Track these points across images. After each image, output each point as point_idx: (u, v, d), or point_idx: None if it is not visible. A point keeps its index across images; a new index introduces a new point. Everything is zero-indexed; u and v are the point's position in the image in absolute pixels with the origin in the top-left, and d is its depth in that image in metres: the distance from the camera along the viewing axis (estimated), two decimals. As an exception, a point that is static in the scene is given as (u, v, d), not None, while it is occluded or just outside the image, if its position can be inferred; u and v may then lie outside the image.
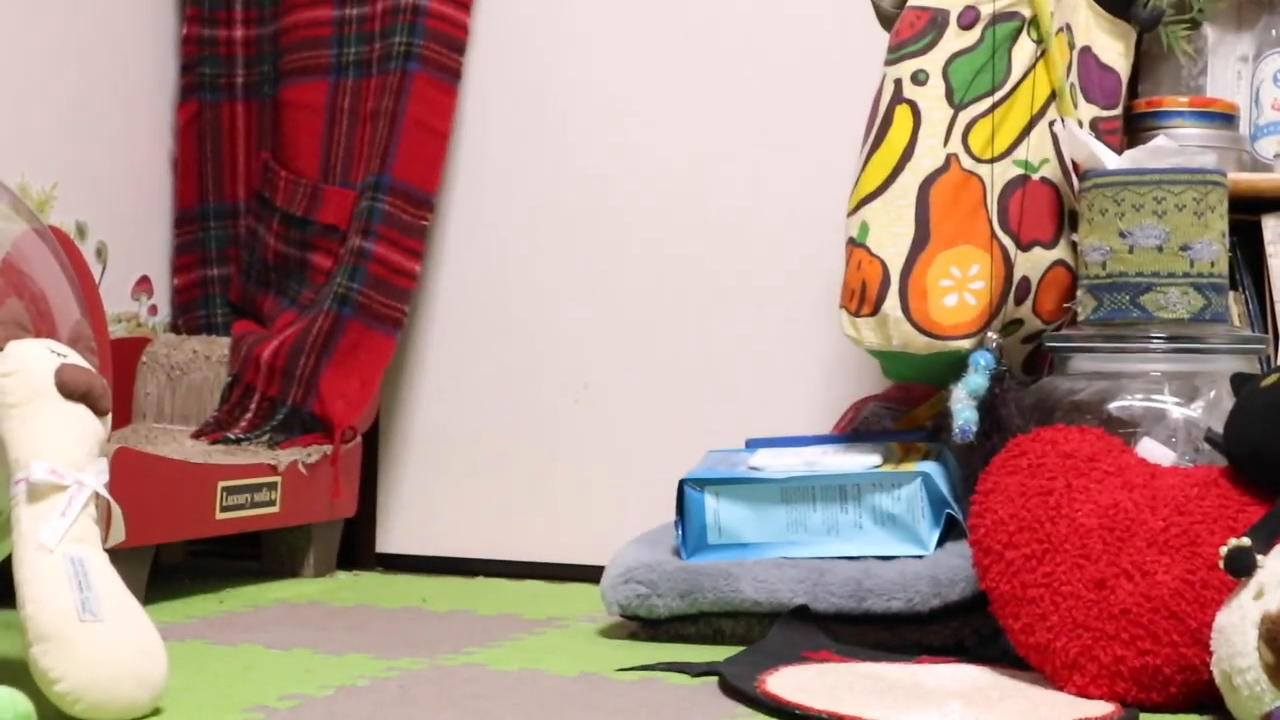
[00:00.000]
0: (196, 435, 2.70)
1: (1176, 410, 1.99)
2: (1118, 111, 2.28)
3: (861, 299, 2.12)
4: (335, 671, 1.89)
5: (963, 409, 2.04)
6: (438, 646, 2.07)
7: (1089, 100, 2.25)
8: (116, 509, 1.75)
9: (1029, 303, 2.15)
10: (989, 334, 2.10)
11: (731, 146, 2.72)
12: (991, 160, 2.13)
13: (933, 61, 2.16)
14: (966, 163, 2.13)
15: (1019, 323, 2.16)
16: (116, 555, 1.71)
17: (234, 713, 1.67)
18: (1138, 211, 2.03)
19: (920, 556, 2.07)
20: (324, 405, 2.68)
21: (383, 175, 2.72)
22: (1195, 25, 2.43)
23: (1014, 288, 2.12)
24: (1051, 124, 2.16)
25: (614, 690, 1.83)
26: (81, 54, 2.75)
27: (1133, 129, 2.36)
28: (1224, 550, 1.62)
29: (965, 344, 2.08)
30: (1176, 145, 2.12)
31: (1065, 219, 2.18)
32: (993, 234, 2.11)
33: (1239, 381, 1.84)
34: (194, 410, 2.81)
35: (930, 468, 2.10)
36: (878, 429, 2.36)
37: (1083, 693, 1.75)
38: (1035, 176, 2.15)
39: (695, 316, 2.73)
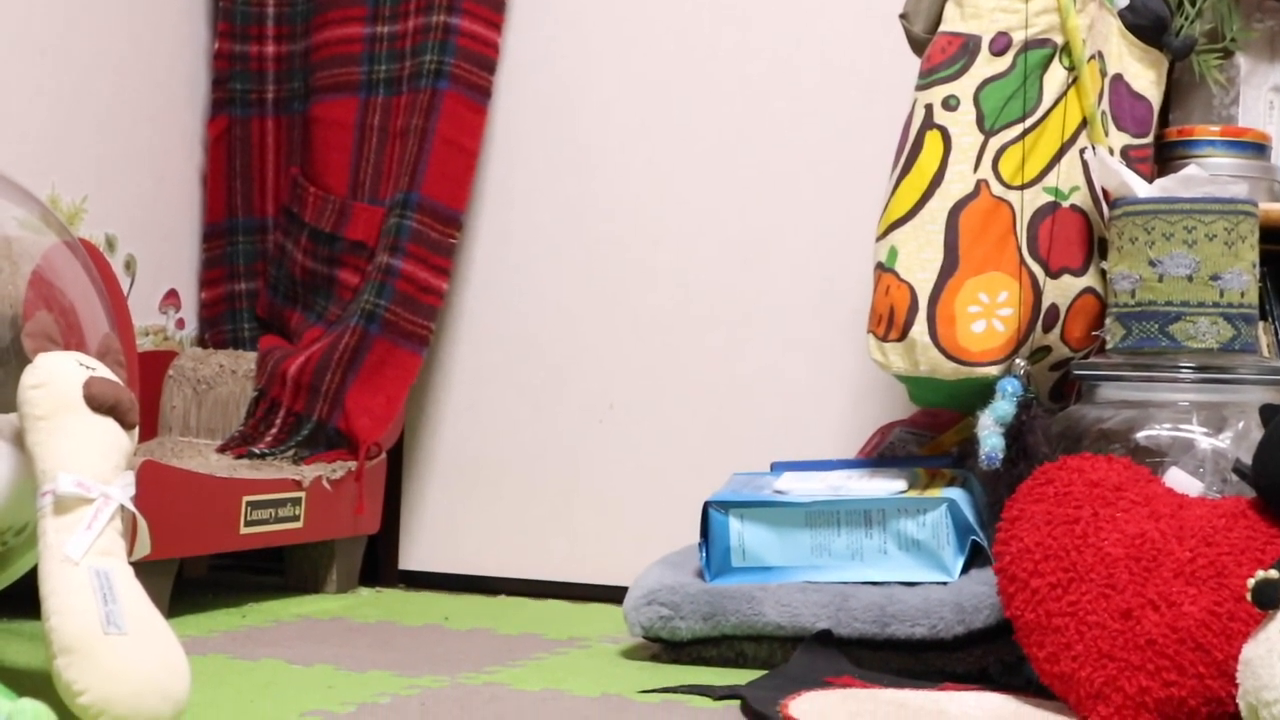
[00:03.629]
0: (222, 449, 2.71)
1: (1205, 440, 1.99)
2: (1149, 140, 2.28)
3: (889, 324, 2.12)
4: (357, 689, 1.89)
5: (989, 435, 2.03)
6: (459, 665, 2.07)
7: (1120, 128, 2.24)
8: (142, 523, 1.75)
9: (1057, 330, 2.14)
10: (1017, 361, 2.09)
11: (759, 168, 2.72)
12: (1022, 187, 2.13)
13: (964, 87, 2.16)
14: (996, 189, 2.12)
15: (1047, 350, 2.15)
16: (140, 568, 1.71)
17: (256, 728, 1.67)
18: (1168, 240, 2.02)
19: (945, 583, 2.07)
20: (349, 421, 2.69)
21: (411, 193, 2.72)
22: (1228, 54, 2.42)
23: (1042, 315, 2.11)
24: (1082, 151, 2.16)
25: (635, 713, 1.82)
26: (114, 68, 2.76)
27: (1164, 158, 2.36)
28: (1251, 582, 1.61)
29: (993, 370, 2.08)
30: (1207, 175, 2.12)
31: (1095, 247, 2.17)
32: (1022, 261, 2.11)
33: (1268, 413, 1.83)
34: (220, 424, 2.81)
35: (956, 494, 2.10)
36: (903, 454, 2.36)
37: (1107, 723, 1.74)
38: (1065, 204, 2.15)
39: (721, 338, 2.73)
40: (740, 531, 2.14)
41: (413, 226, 2.71)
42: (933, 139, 2.16)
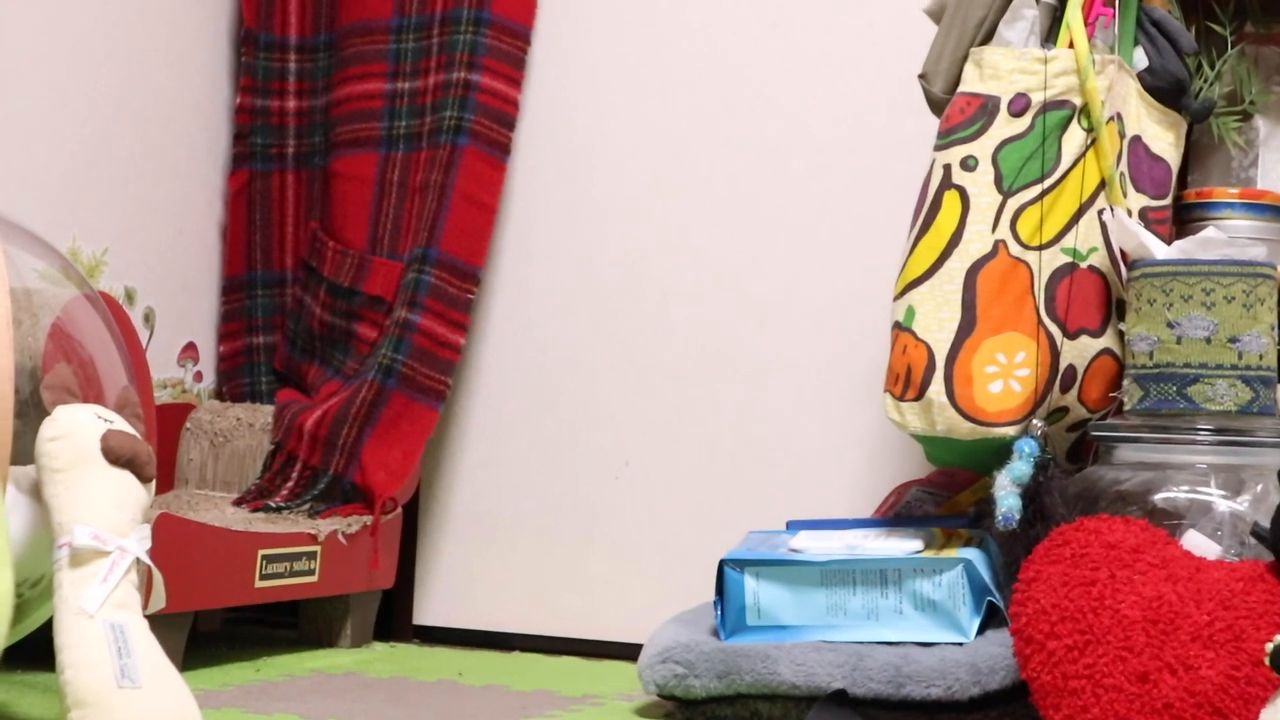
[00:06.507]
0: (238, 503, 2.71)
1: (1222, 503, 1.98)
2: (1167, 202, 2.28)
3: (906, 383, 2.11)
4: (370, 745, 1.89)
5: (1006, 496, 2.03)
6: (473, 722, 2.07)
7: (1138, 190, 2.24)
8: (158, 576, 1.75)
9: (1075, 391, 2.14)
10: (1034, 421, 2.09)
11: (776, 225, 2.73)
12: (1040, 247, 2.13)
13: (983, 147, 2.16)
14: (1014, 249, 2.13)
15: (1064, 411, 2.15)
16: (155, 621, 1.72)
17: (268, 784, 1.67)
18: (1186, 302, 2.02)
19: (960, 644, 2.06)
20: (365, 476, 2.69)
21: (430, 248, 2.73)
22: (1247, 117, 2.43)
23: (1060, 375, 2.11)
24: (1100, 213, 2.16)
25: (650, 771, 1.82)
26: (136, 122, 2.78)
27: (1182, 220, 2.36)
28: (1269, 647, 1.60)
29: (1010, 431, 2.07)
30: (1226, 237, 2.12)
31: (1113, 308, 2.17)
32: (1039, 321, 2.10)
33: (1286, 476, 1.83)
34: (236, 477, 2.81)
35: (972, 554, 2.09)
36: (920, 514, 2.35)
37: (1124, 787, 1.73)
38: (1083, 265, 2.15)
39: (738, 396, 2.73)
40: (755, 590, 2.14)
41: (431, 282, 2.71)
42: (951, 199, 2.16)
